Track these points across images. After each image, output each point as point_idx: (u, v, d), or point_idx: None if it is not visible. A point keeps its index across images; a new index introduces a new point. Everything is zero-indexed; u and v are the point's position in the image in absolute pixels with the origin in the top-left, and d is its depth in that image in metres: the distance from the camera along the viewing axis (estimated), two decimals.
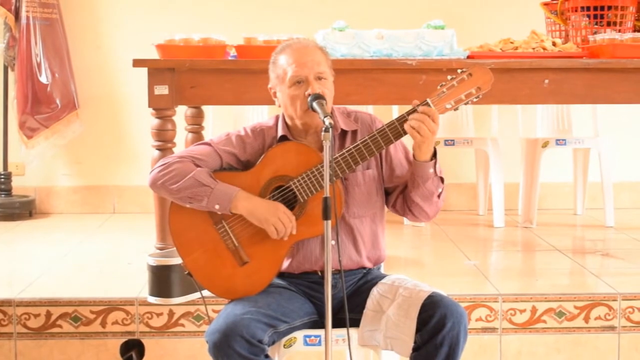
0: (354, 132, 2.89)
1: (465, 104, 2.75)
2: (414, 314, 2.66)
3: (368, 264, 2.91)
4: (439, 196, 2.81)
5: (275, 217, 2.74)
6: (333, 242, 2.72)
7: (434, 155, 2.75)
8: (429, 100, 2.71)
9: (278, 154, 2.81)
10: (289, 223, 2.75)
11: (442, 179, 2.80)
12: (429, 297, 2.68)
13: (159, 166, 2.84)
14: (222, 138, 2.90)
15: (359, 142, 2.74)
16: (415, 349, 2.67)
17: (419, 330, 2.65)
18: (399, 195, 2.88)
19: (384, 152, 2.85)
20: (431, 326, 2.63)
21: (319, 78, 2.78)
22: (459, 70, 2.75)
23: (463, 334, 2.65)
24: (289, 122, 2.88)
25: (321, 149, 2.63)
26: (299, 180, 2.76)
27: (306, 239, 2.82)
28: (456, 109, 2.75)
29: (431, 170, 2.74)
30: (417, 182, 2.76)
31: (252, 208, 2.75)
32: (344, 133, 2.89)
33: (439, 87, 2.73)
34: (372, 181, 2.87)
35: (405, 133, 2.72)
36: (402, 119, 2.72)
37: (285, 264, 2.86)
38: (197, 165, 2.81)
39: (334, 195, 2.55)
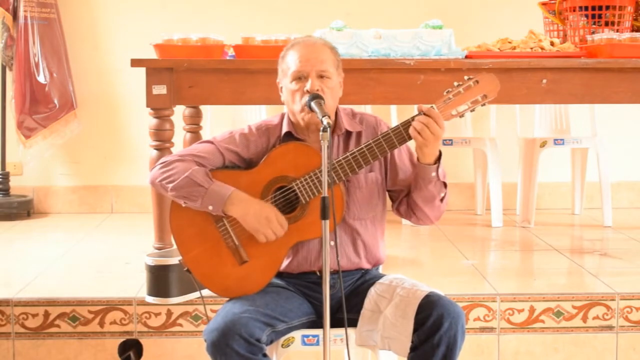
0: (359, 134, 2.88)
1: (472, 110, 2.74)
2: (411, 314, 2.66)
3: (366, 266, 2.90)
4: (441, 200, 2.80)
5: (266, 227, 2.73)
6: (332, 243, 2.72)
7: (439, 159, 2.74)
8: (434, 106, 2.70)
9: (281, 154, 2.80)
10: (280, 232, 2.74)
11: (445, 184, 2.79)
12: (426, 297, 2.68)
13: (160, 164, 2.84)
14: (226, 136, 2.89)
15: (362, 145, 2.73)
16: (412, 349, 2.67)
17: (416, 330, 2.65)
18: (404, 199, 2.87)
19: (388, 155, 2.83)
20: (428, 326, 2.63)
21: (321, 76, 2.77)
22: (465, 77, 2.74)
23: (460, 334, 2.64)
24: (292, 119, 2.86)
25: None
26: (301, 182, 2.76)
27: (306, 240, 2.81)
28: (462, 116, 2.74)
29: (433, 174, 2.73)
30: (419, 183, 2.76)
31: (243, 214, 2.73)
32: (348, 134, 2.88)
33: (445, 93, 2.72)
34: (374, 184, 2.87)
35: (410, 138, 2.71)
36: (407, 124, 2.71)
37: (285, 263, 2.85)
38: (200, 164, 2.80)
39: (332, 197, 2.53)
